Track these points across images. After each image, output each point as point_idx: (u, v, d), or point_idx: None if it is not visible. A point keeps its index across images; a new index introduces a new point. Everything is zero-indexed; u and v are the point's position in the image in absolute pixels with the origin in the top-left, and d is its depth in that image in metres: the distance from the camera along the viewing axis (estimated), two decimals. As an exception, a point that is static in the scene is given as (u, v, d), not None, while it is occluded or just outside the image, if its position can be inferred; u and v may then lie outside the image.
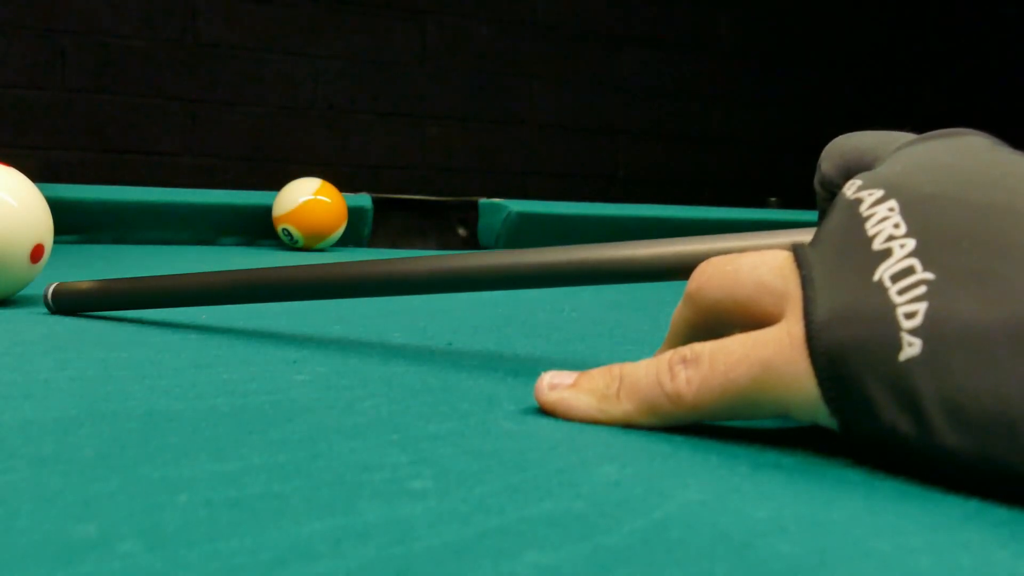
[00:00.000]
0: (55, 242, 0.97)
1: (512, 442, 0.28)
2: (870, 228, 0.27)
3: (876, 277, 0.25)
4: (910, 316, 0.24)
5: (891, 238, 0.26)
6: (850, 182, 0.29)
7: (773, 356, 0.26)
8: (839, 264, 0.27)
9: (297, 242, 1.27)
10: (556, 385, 0.32)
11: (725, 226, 1.48)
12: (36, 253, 0.58)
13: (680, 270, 0.34)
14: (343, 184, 1.49)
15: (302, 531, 0.20)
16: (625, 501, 0.23)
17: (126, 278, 0.53)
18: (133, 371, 0.38)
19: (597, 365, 0.32)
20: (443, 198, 1.44)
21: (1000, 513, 0.23)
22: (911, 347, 0.24)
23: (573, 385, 0.31)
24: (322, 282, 0.44)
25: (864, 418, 0.25)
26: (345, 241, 1.37)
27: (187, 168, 2.15)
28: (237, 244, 1.33)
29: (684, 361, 0.28)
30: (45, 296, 0.55)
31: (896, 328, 0.24)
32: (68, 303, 0.55)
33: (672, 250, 0.35)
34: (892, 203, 0.27)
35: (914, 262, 0.25)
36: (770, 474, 0.26)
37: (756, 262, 0.29)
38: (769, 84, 2.76)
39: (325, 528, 0.20)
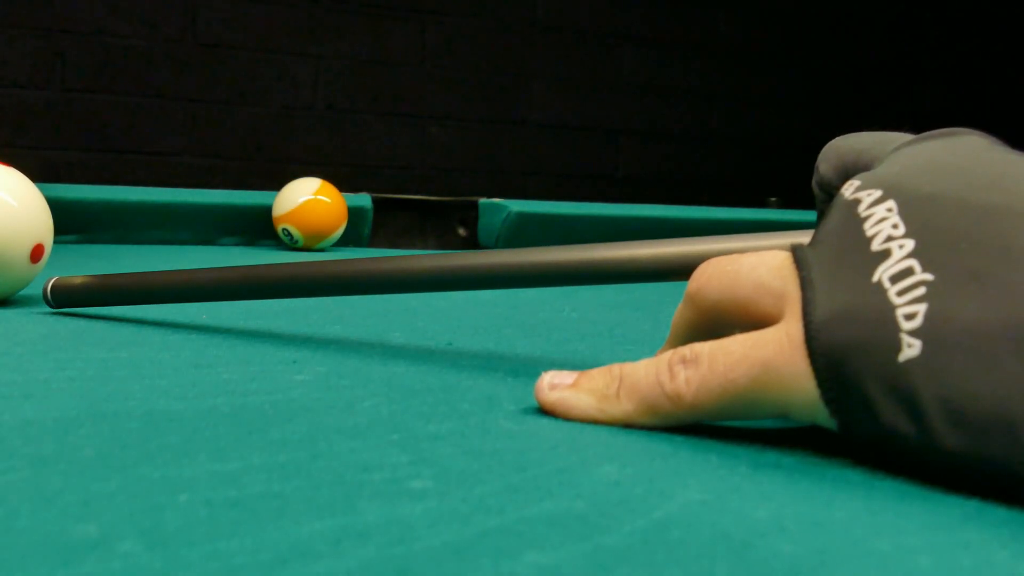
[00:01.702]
0: (55, 242, 0.97)
1: (512, 442, 0.28)
2: (869, 228, 0.27)
3: (875, 278, 0.25)
4: (910, 317, 0.24)
5: (890, 238, 0.26)
6: (848, 183, 0.29)
7: (772, 356, 0.26)
8: (838, 265, 0.27)
9: (297, 242, 1.27)
10: (556, 385, 0.32)
11: (725, 226, 1.48)
12: (36, 253, 0.58)
13: (680, 270, 0.34)
14: (343, 184, 1.49)
15: (302, 531, 0.20)
16: (625, 501, 0.23)
17: (123, 273, 0.53)
18: (133, 371, 0.38)
19: (597, 365, 0.32)
20: (443, 198, 1.44)
21: (1000, 513, 0.23)
22: (911, 348, 0.24)
23: (573, 385, 0.32)
24: (317, 280, 0.44)
25: (864, 419, 0.25)
26: (345, 241, 1.37)
27: (187, 168, 2.14)
28: (237, 244, 1.33)
29: (684, 361, 0.28)
30: (44, 292, 0.55)
31: (896, 329, 0.24)
32: (66, 298, 0.55)
33: (672, 250, 0.35)
34: (890, 203, 0.27)
35: (913, 263, 0.25)
36: (770, 474, 0.26)
37: (755, 263, 0.29)
38: (769, 84, 2.76)
39: (325, 528, 0.20)
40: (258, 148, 2.21)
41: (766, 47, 2.75)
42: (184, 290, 0.49)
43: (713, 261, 0.31)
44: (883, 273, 0.25)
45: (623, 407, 0.30)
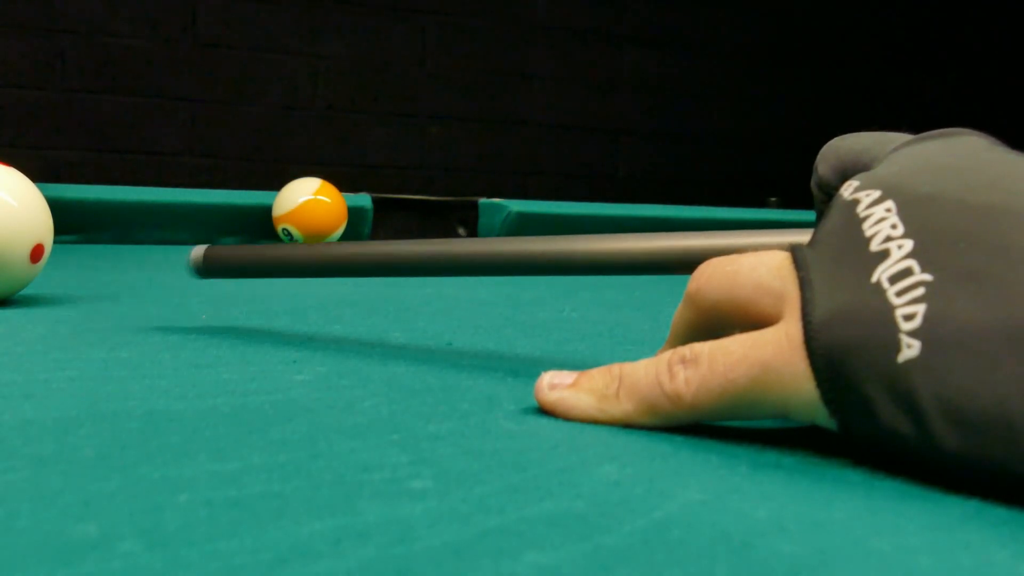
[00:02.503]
0: (55, 242, 0.97)
1: (512, 442, 0.28)
2: (868, 229, 0.27)
3: (874, 278, 0.25)
4: (909, 318, 0.24)
5: (889, 239, 0.26)
6: (847, 183, 0.29)
7: (772, 357, 0.26)
8: (837, 265, 0.27)
9: (297, 242, 1.27)
10: (556, 385, 0.32)
11: (725, 226, 1.48)
12: (36, 253, 0.58)
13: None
14: (343, 184, 1.49)
15: (302, 531, 0.20)
16: (625, 501, 0.23)
17: (269, 245, 0.50)
18: (133, 371, 0.38)
19: (597, 365, 0.32)
20: (443, 198, 1.44)
21: (1000, 513, 0.23)
22: (910, 349, 0.24)
23: (573, 385, 0.31)
24: (465, 259, 0.41)
25: (863, 419, 0.25)
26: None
27: (187, 168, 2.14)
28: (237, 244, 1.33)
29: (683, 361, 0.28)
30: (192, 260, 0.51)
31: (895, 330, 0.24)
32: (215, 268, 0.51)
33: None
34: (889, 203, 0.27)
35: (912, 263, 0.25)
36: (770, 474, 0.26)
37: (755, 263, 0.29)
38: (769, 84, 2.76)
39: (325, 528, 0.20)
40: (258, 148, 2.20)
41: (766, 47, 2.75)
42: (329, 265, 0.47)
43: (712, 261, 0.31)
44: (882, 273, 0.25)
45: (623, 407, 0.30)
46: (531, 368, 0.42)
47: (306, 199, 1.25)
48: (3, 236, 0.56)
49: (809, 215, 1.53)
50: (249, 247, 0.52)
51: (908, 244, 0.25)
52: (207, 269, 0.51)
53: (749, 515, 0.22)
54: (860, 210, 0.27)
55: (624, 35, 2.57)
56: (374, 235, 1.41)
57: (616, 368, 0.31)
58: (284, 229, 1.26)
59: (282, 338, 0.49)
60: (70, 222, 1.19)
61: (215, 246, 0.52)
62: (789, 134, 2.78)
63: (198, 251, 0.52)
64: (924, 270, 0.24)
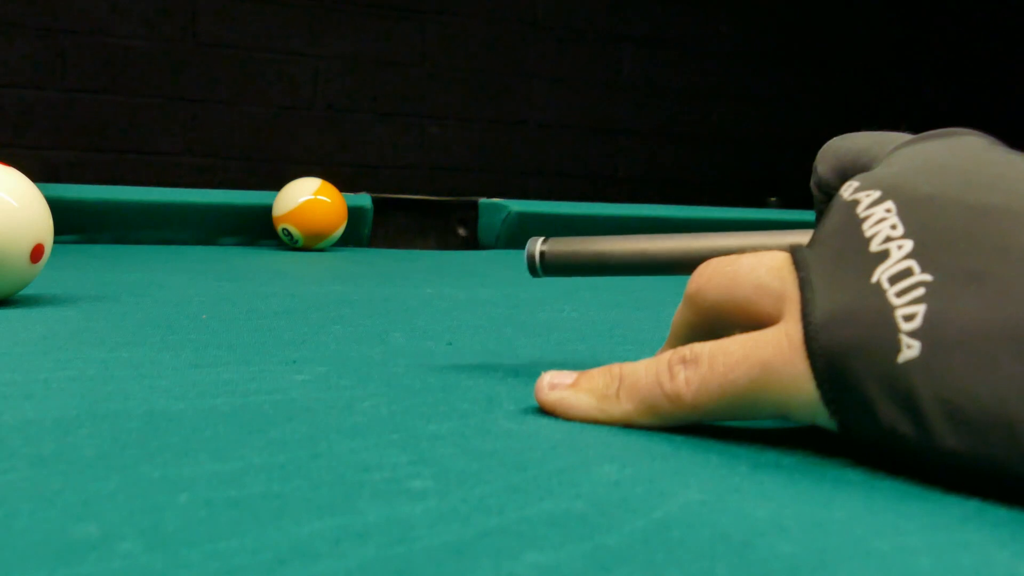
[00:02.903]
0: (55, 242, 0.97)
1: (512, 442, 0.28)
2: (867, 229, 0.27)
3: (874, 279, 0.25)
4: (909, 318, 0.24)
5: (889, 239, 0.26)
6: (847, 183, 0.29)
7: (772, 357, 0.26)
8: (837, 265, 0.27)
9: (297, 242, 1.27)
10: (556, 385, 0.32)
11: (725, 226, 1.48)
12: (36, 253, 0.58)
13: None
14: (343, 184, 1.49)
15: (302, 531, 0.20)
16: (625, 501, 0.23)
17: (607, 238, 0.43)
18: (133, 371, 0.38)
19: (597, 365, 0.32)
20: (443, 198, 1.44)
21: (1000, 513, 0.23)
22: (910, 349, 0.24)
23: (573, 385, 0.32)
24: None
25: (863, 419, 0.25)
26: (345, 241, 1.37)
27: (187, 168, 2.14)
28: (237, 244, 1.33)
29: (683, 361, 0.28)
30: (528, 255, 0.45)
31: (895, 330, 0.24)
32: (554, 266, 0.44)
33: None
34: (889, 204, 0.27)
35: (912, 263, 0.25)
36: (770, 474, 0.26)
37: (754, 263, 0.29)
38: (769, 84, 2.76)
39: (325, 528, 0.20)
40: (258, 148, 2.20)
41: (766, 47, 2.75)
42: (688, 260, 0.40)
43: (712, 262, 0.31)
44: (882, 274, 0.25)
45: (623, 407, 0.30)
46: (531, 368, 0.42)
47: (306, 199, 1.25)
48: (3, 236, 0.56)
49: (809, 215, 1.53)
50: (589, 240, 0.44)
51: (908, 244, 0.25)
52: (545, 267, 0.44)
53: (749, 515, 0.22)
54: (860, 210, 0.27)
55: (624, 35, 2.57)
56: (374, 235, 1.41)
57: (616, 368, 0.31)
58: (284, 229, 1.26)
59: (282, 338, 0.49)
60: (70, 222, 1.19)
61: (553, 239, 0.44)
62: (789, 134, 2.78)
63: (533, 245, 0.44)
64: (924, 270, 0.24)
